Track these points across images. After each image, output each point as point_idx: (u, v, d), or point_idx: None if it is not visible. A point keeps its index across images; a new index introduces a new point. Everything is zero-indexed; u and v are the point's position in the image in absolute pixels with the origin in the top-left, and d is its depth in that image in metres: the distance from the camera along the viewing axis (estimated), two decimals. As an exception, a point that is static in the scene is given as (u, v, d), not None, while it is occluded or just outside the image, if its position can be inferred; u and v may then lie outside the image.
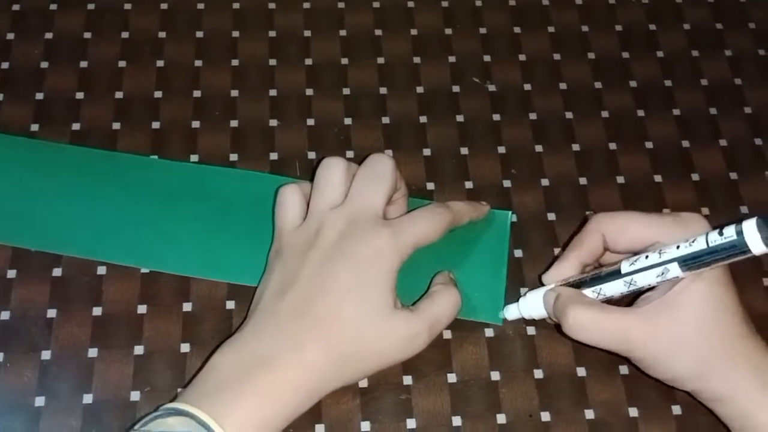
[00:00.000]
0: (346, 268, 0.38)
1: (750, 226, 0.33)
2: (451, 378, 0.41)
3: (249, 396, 0.35)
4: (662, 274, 0.36)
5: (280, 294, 0.38)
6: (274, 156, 0.47)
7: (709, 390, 0.37)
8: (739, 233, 0.33)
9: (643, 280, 0.37)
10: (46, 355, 0.40)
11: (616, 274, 0.38)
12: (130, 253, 0.43)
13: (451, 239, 0.42)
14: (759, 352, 0.36)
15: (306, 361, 0.36)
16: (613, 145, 0.48)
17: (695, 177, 0.47)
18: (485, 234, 0.44)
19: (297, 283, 0.38)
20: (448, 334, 0.42)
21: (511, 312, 0.42)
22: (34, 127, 0.46)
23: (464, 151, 0.47)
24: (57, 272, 0.42)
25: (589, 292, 0.39)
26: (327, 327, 0.37)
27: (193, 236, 0.43)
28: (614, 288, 0.38)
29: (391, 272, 0.38)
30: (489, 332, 0.42)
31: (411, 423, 0.40)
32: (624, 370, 0.41)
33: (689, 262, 0.35)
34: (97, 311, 0.42)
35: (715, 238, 0.35)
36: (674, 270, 0.36)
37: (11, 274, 0.42)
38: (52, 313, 0.41)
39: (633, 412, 0.41)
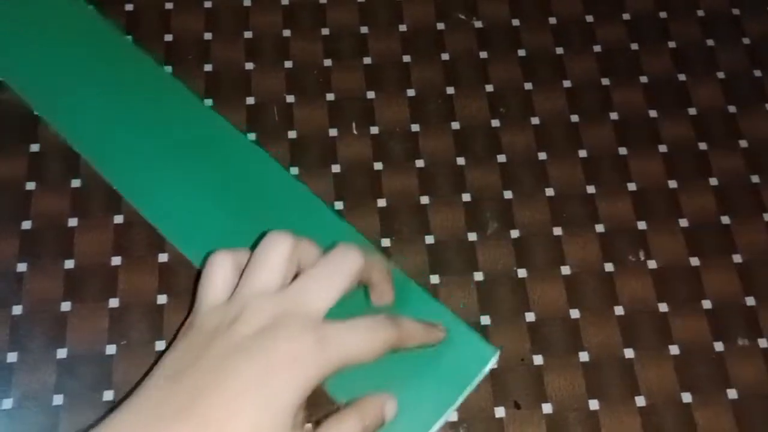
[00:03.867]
0: (251, 369, 0.31)
1: None
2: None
3: None
4: None
5: (172, 380, 0.32)
6: (250, 101, 0.44)
7: None
8: None
9: None
10: (17, 310, 0.39)
11: None
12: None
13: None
14: None
15: None
16: (606, 80, 0.46)
17: (692, 111, 0.45)
18: (456, 360, 0.37)
19: (194, 373, 0.32)
20: (436, 279, 0.40)
21: None
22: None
23: (450, 90, 0.45)
24: (26, 225, 0.41)
25: None
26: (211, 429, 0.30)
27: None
28: None
29: (302, 388, 0.32)
30: (478, 276, 0.40)
31: (398, 370, 0.38)
32: (619, 310, 0.40)
33: None
34: (69, 264, 0.40)
35: None
36: None
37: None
38: (22, 267, 0.40)
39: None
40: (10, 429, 0.36)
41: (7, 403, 0.37)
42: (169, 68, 0.45)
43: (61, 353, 0.38)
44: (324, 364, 0.32)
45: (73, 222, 0.41)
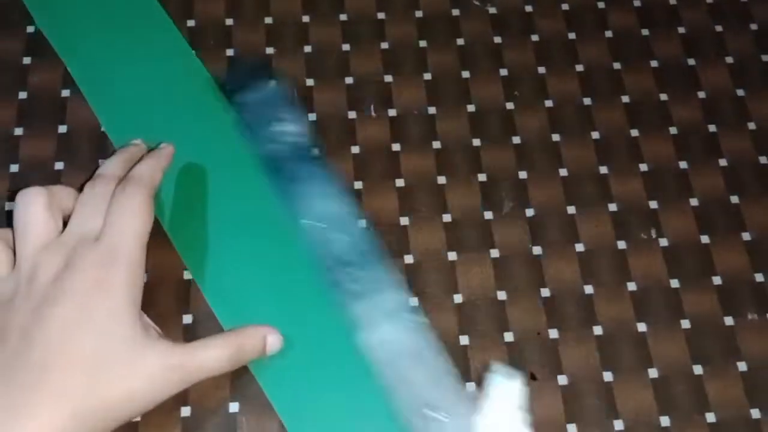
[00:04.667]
0: (66, 310, 0.32)
1: None
2: (458, 299, 0.41)
3: None
4: None
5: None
6: (272, 84, 0.46)
7: None
8: None
9: None
10: None
11: None
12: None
13: None
14: None
15: (33, 427, 0.30)
16: (617, 65, 0.47)
17: (701, 94, 0.46)
18: None
19: (14, 334, 0.32)
20: (453, 256, 0.41)
21: None
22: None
23: (465, 74, 0.46)
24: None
25: None
26: (56, 376, 0.31)
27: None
28: None
29: (123, 303, 0.33)
30: (494, 253, 0.42)
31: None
32: (632, 286, 0.41)
33: None
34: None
35: None
36: None
37: (9, 206, 0.42)
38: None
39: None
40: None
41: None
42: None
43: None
44: (121, 266, 0.33)
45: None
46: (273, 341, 0.37)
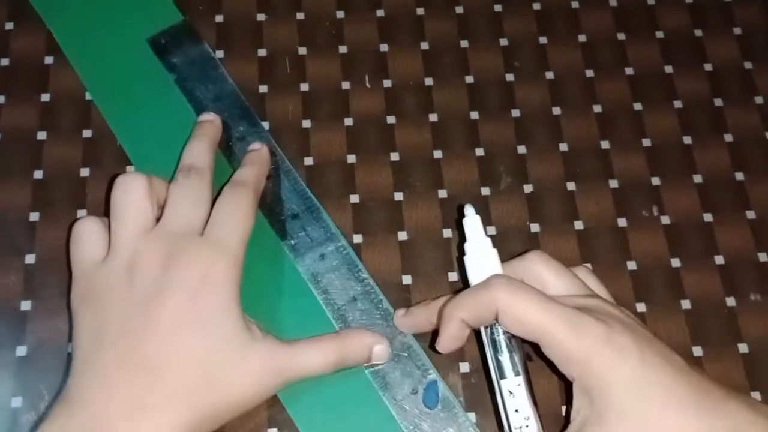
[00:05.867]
0: (174, 305, 0.32)
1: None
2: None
3: None
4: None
5: (98, 346, 0.31)
6: (262, 52, 0.44)
7: None
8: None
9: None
10: (30, 259, 0.39)
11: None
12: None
13: None
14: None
15: (151, 426, 0.30)
16: (621, 35, 0.45)
17: (708, 67, 0.45)
18: None
19: (120, 329, 0.31)
20: (449, 233, 0.40)
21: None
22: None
23: (464, 44, 0.45)
24: (38, 175, 0.41)
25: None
26: (170, 376, 0.31)
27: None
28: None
29: (228, 297, 0.32)
30: (491, 230, 0.40)
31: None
32: (632, 265, 0.40)
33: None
34: (81, 214, 0.40)
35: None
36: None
37: (-10, 177, 0.40)
38: (34, 216, 0.40)
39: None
40: (24, 376, 0.36)
41: (21, 350, 0.37)
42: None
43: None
44: (228, 262, 0.33)
45: (84, 172, 0.41)
46: (379, 351, 0.36)
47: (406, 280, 0.39)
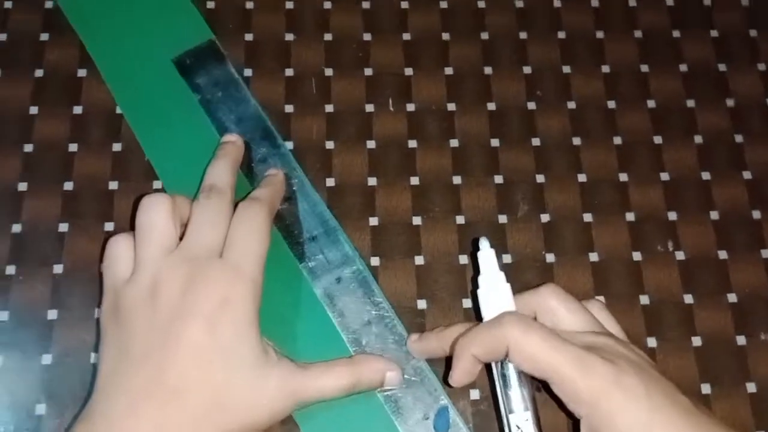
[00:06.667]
0: (194, 330, 0.33)
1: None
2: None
3: None
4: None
5: (123, 365, 0.33)
6: (289, 72, 0.45)
7: None
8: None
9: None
10: (58, 269, 0.40)
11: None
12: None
13: None
14: None
15: None
16: (645, 67, 0.46)
17: (730, 102, 0.45)
18: None
19: (142, 351, 0.33)
20: (465, 260, 0.41)
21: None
22: (44, 37, 0.45)
23: (488, 70, 0.45)
24: (68, 186, 0.42)
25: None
26: (190, 402, 0.32)
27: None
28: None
29: (248, 320, 0.34)
30: (507, 258, 0.41)
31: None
32: (644, 299, 0.40)
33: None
34: (108, 227, 0.41)
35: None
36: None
37: (22, 186, 0.42)
38: (63, 227, 0.41)
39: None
40: (49, 383, 0.38)
41: (47, 359, 0.38)
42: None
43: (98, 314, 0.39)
44: (246, 285, 0.34)
45: (113, 185, 0.42)
46: (391, 377, 0.37)
47: (421, 304, 0.40)
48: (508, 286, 0.35)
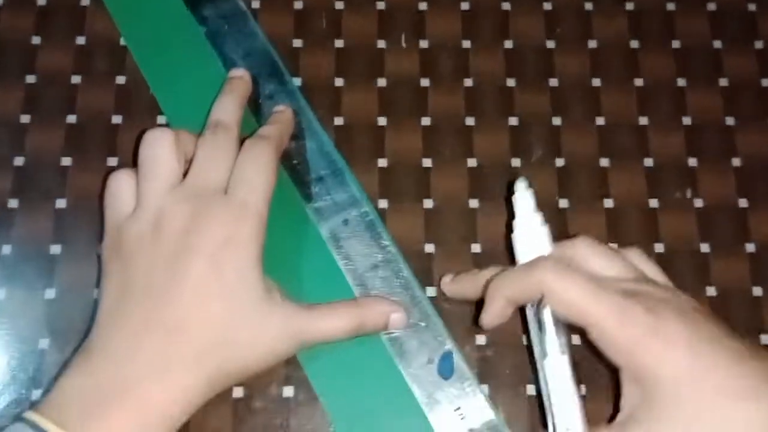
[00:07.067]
0: (197, 267, 0.32)
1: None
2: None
3: (111, 429, 0.30)
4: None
5: (124, 301, 0.32)
6: (298, 5, 0.43)
7: None
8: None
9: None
10: (61, 203, 0.39)
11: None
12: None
13: None
14: None
15: (173, 384, 0.31)
16: (671, 5, 0.43)
17: (758, 44, 0.43)
18: None
19: (145, 287, 0.32)
20: (475, 204, 0.40)
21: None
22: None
23: (506, 6, 0.43)
24: (72, 119, 0.41)
25: None
26: (192, 337, 0.32)
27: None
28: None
29: (251, 257, 0.33)
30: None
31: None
32: (659, 247, 0.39)
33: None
34: (112, 162, 0.40)
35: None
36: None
37: (25, 119, 0.41)
38: (66, 161, 0.40)
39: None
40: (52, 318, 0.38)
41: (50, 293, 0.38)
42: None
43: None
44: (252, 223, 0.33)
45: (117, 119, 0.41)
46: (396, 320, 0.36)
47: (429, 248, 0.39)
48: (545, 228, 0.34)
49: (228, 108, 0.38)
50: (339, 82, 0.42)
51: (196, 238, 0.33)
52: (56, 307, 0.38)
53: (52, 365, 0.37)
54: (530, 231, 0.34)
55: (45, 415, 0.30)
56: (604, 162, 0.41)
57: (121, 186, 0.35)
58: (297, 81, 0.42)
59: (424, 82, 0.42)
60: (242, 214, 0.33)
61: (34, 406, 0.31)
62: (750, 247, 0.39)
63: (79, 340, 0.36)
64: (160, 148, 0.35)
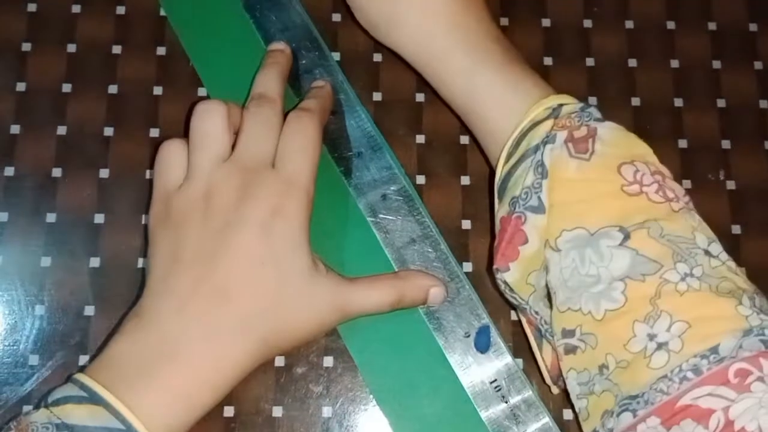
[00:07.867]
0: (248, 238, 0.33)
1: None
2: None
3: (158, 395, 0.31)
4: None
5: (174, 268, 0.33)
6: None
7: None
8: None
9: None
10: (104, 173, 0.40)
11: None
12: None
13: None
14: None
15: (222, 353, 0.32)
16: (709, -12, 0.44)
17: (796, 28, 0.43)
18: None
19: (195, 255, 0.33)
20: (510, 180, 0.40)
21: None
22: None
23: (544, -16, 0.44)
24: (113, 89, 0.41)
25: None
26: (240, 303, 0.32)
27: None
28: None
29: (299, 228, 0.34)
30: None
31: (466, 266, 0.39)
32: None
33: None
34: (153, 133, 0.41)
35: None
36: None
37: (66, 88, 0.41)
38: (109, 131, 0.41)
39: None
40: (97, 286, 0.39)
41: (95, 262, 0.39)
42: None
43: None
44: (300, 196, 0.34)
45: (158, 90, 0.41)
46: (435, 294, 0.37)
47: (465, 224, 0.40)
48: None
49: (271, 81, 0.38)
50: (377, 57, 0.42)
51: (246, 210, 0.33)
52: (101, 275, 0.39)
53: (97, 332, 0.38)
54: None
55: (93, 377, 0.31)
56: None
57: (171, 156, 0.35)
58: (335, 56, 0.42)
59: (462, 59, 0.42)
60: (290, 187, 0.34)
61: (82, 370, 0.32)
62: (781, 230, 0.40)
63: (123, 308, 0.37)
64: (211, 120, 0.35)
